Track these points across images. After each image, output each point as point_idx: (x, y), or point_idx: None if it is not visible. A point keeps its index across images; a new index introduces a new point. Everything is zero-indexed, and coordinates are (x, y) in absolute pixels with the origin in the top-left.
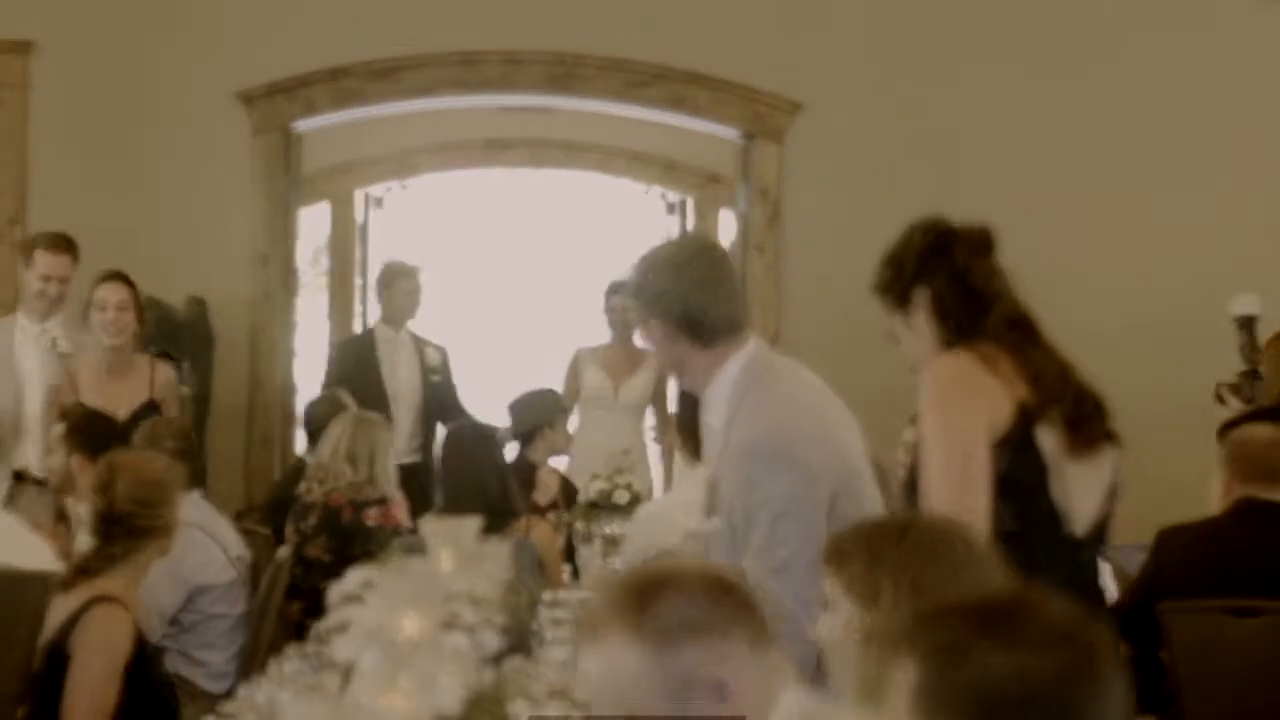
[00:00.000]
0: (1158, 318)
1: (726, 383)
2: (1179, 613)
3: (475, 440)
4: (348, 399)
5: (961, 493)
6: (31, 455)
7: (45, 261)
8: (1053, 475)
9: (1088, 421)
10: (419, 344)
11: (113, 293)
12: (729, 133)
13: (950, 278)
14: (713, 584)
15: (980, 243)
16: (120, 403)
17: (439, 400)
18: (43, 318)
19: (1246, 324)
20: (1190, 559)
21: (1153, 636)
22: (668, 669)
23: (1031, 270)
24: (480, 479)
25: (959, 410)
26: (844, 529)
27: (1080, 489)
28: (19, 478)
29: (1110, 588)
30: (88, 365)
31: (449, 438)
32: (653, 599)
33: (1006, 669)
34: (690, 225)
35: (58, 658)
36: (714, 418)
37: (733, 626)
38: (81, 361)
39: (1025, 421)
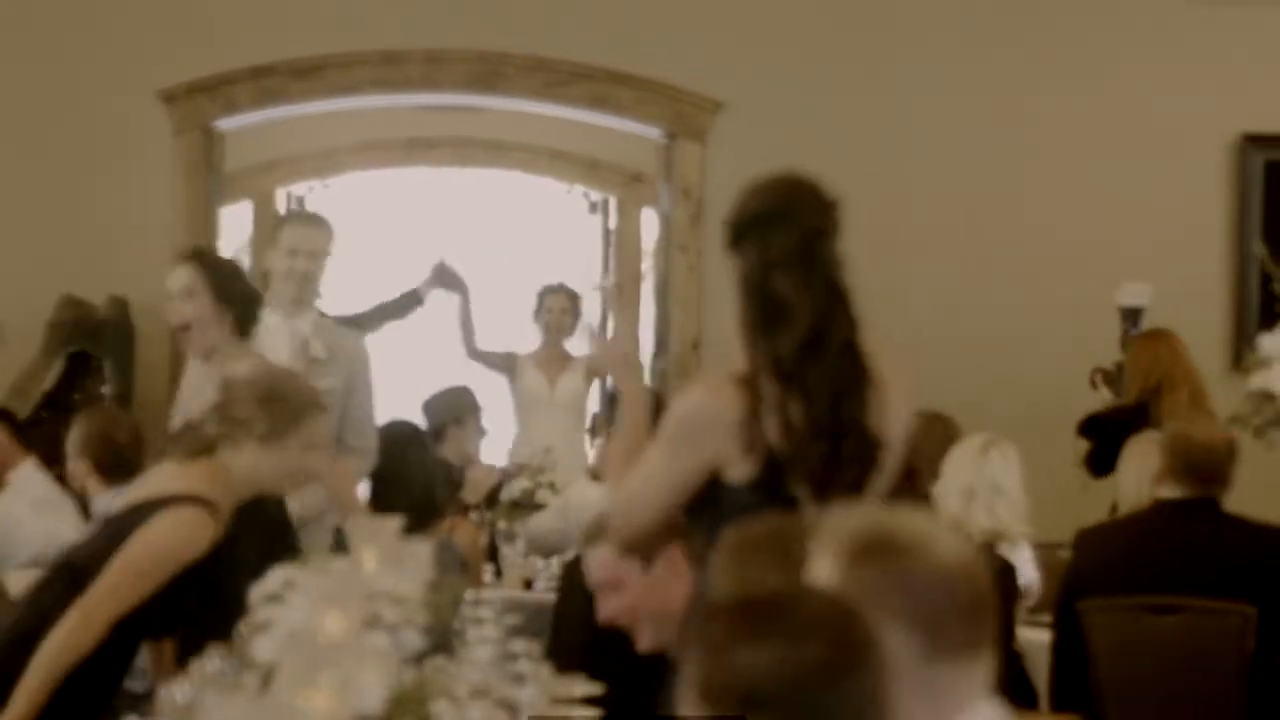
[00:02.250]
0: (1061, 310)
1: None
2: (1100, 611)
3: (403, 438)
4: None
5: (638, 507)
6: None
7: (293, 234)
8: (806, 501)
9: (841, 468)
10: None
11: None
12: (651, 132)
13: (761, 267)
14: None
15: (808, 238)
16: None
17: None
18: (292, 307)
19: (1131, 315)
20: (1110, 558)
21: (1076, 635)
22: None
23: (953, 265)
24: (406, 478)
25: (687, 448)
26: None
27: None
28: None
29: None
30: None
31: (380, 435)
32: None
33: (764, 665)
34: (613, 224)
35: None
36: None
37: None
38: None
39: (774, 472)
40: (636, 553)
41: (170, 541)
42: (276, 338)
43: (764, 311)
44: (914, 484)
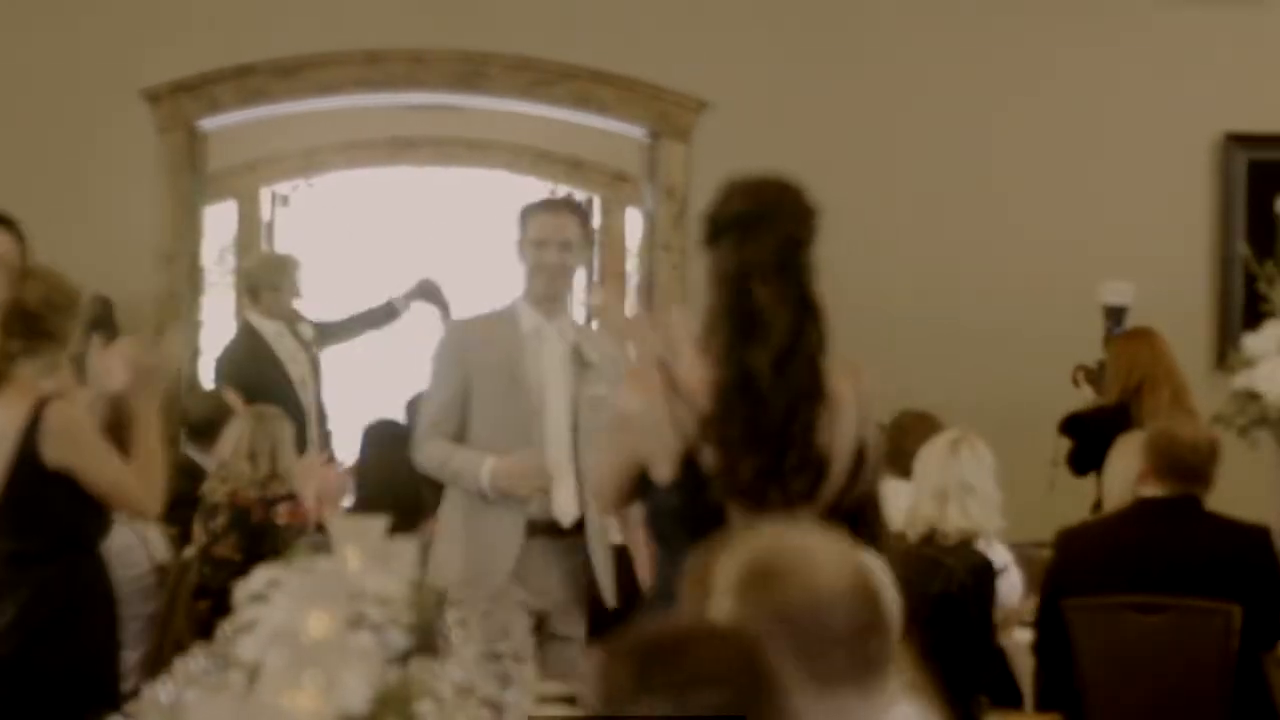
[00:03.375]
0: (1046, 308)
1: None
2: (1083, 610)
3: (394, 439)
4: (232, 396)
5: (599, 482)
6: (561, 500)
7: (538, 223)
8: (734, 511)
9: (783, 480)
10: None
11: None
12: (635, 131)
13: (739, 270)
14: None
15: (787, 246)
16: None
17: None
18: (549, 304)
19: (1114, 313)
20: (1093, 557)
21: (1060, 635)
22: None
23: (936, 263)
24: (395, 478)
25: (620, 451)
26: None
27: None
28: (534, 529)
29: (1016, 585)
30: None
31: (368, 434)
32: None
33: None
34: (597, 224)
35: (37, 471)
36: None
37: None
38: None
39: (693, 477)
40: None
41: (80, 420)
42: (542, 342)
43: (740, 320)
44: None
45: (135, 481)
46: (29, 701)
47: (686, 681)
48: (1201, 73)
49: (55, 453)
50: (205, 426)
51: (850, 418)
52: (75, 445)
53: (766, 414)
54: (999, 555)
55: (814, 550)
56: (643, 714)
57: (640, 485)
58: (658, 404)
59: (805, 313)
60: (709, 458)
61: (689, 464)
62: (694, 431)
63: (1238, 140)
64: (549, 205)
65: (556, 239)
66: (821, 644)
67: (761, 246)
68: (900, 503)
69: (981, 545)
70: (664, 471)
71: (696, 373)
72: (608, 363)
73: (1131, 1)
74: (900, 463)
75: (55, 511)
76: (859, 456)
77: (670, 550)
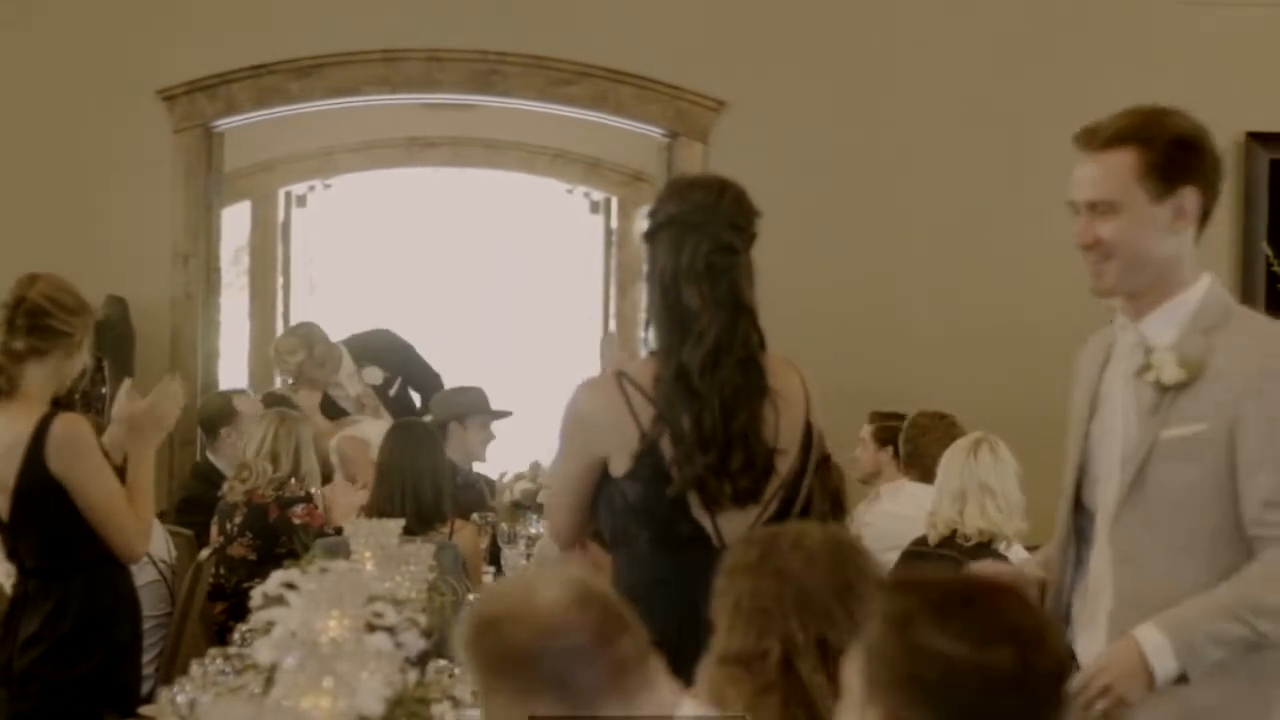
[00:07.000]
0: (1062, 308)
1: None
2: None
3: (417, 438)
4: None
5: (554, 510)
6: None
7: None
8: (693, 499)
9: (729, 479)
10: None
11: None
12: (653, 131)
13: (671, 273)
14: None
15: (718, 251)
16: None
17: None
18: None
19: None
20: None
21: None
22: None
23: (952, 263)
24: (416, 478)
25: (574, 446)
26: None
27: (728, 522)
28: None
29: None
30: None
31: (392, 433)
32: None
33: (942, 653)
34: (614, 224)
35: (46, 483)
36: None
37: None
38: None
39: (652, 461)
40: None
41: (86, 435)
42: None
43: (673, 319)
44: (825, 476)
45: (128, 514)
46: (51, 709)
47: (978, 632)
48: (1222, 72)
49: (56, 464)
50: (208, 424)
51: (799, 412)
52: (72, 457)
53: (705, 412)
54: (1018, 557)
55: (528, 583)
56: (939, 649)
57: (598, 491)
58: (614, 399)
59: (738, 314)
60: (667, 448)
61: (649, 454)
62: (651, 422)
63: (1259, 139)
64: None
65: None
66: (567, 665)
67: (693, 251)
68: (903, 509)
69: (1001, 547)
70: (620, 464)
71: (646, 368)
72: None
73: (1149, 2)
74: (918, 462)
75: (71, 524)
76: (806, 448)
77: (631, 550)
